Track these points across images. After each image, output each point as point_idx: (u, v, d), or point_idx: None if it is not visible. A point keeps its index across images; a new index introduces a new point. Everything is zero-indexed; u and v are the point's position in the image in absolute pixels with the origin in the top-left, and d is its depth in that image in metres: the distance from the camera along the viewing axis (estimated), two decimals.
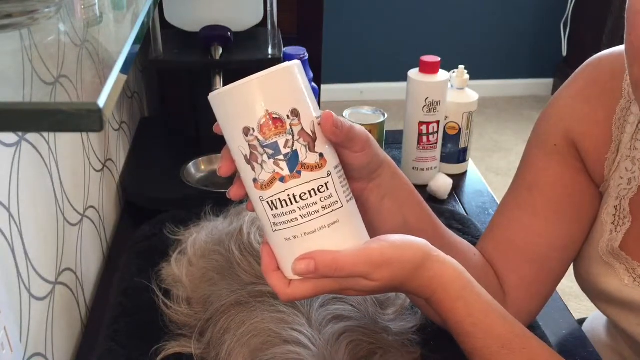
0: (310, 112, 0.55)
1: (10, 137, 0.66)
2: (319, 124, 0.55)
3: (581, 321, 0.98)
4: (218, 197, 1.03)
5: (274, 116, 0.53)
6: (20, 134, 0.68)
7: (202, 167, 1.16)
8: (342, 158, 0.59)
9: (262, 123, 0.53)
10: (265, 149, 0.53)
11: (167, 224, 0.94)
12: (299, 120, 0.54)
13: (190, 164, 1.15)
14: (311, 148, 0.54)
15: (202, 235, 0.86)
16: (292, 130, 0.53)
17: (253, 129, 0.53)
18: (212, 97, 0.55)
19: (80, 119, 0.38)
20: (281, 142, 0.53)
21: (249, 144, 0.54)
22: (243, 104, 0.53)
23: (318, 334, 0.65)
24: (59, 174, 0.80)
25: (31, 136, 0.71)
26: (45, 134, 0.76)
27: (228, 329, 0.69)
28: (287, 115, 0.53)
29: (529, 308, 0.78)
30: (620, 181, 0.73)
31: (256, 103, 0.53)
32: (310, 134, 0.54)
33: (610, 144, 0.73)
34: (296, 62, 0.55)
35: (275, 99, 0.53)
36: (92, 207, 0.95)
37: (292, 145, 0.53)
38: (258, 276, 0.73)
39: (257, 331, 0.67)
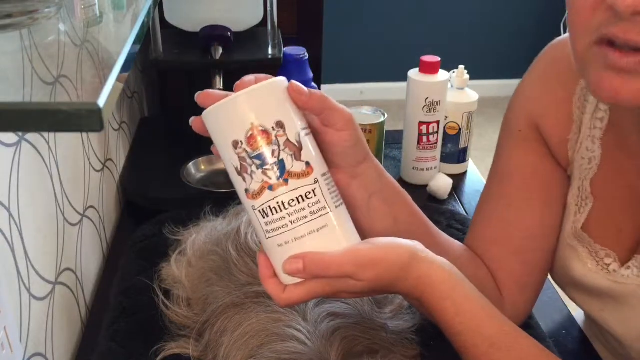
0: (295, 123, 0.57)
1: (10, 137, 0.66)
2: (306, 135, 0.58)
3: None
4: (218, 197, 1.03)
5: (260, 128, 0.55)
6: (20, 134, 0.68)
7: (202, 167, 1.16)
8: (326, 138, 0.61)
9: (249, 136, 0.55)
10: (253, 159, 0.56)
11: (167, 224, 0.94)
12: (284, 131, 0.56)
13: (190, 164, 1.15)
14: (297, 157, 0.56)
15: (201, 236, 0.86)
16: (278, 141, 0.56)
17: (241, 141, 0.56)
18: (205, 114, 0.58)
19: (80, 119, 0.38)
20: (268, 152, 0.56)
21: (238, 156, 0.56)
22: (231, 119, 0.56)
23: (314, 330, 0.66)
24: (59, 174, 0.80)
25: (31, 136, 0.71)
26: (45, 134, 0.76)
27: (225, 331, 0.69)
28: (272, 127, 0.56)
29: (524, 300, 0.78)
30: (582, 162, 0.72)
31: (243, 117, 0.56)
32: (296, 143, 0.56)
33: (572, 125, 0.72)
34: (280, 78, 0.58)
35: (260, 112, 0.56)
36: (92, 207, 0.95)
37: (279, 155, 0.56)
38: (255, 276, 0.73)
39: (253, 332, 0.67)
